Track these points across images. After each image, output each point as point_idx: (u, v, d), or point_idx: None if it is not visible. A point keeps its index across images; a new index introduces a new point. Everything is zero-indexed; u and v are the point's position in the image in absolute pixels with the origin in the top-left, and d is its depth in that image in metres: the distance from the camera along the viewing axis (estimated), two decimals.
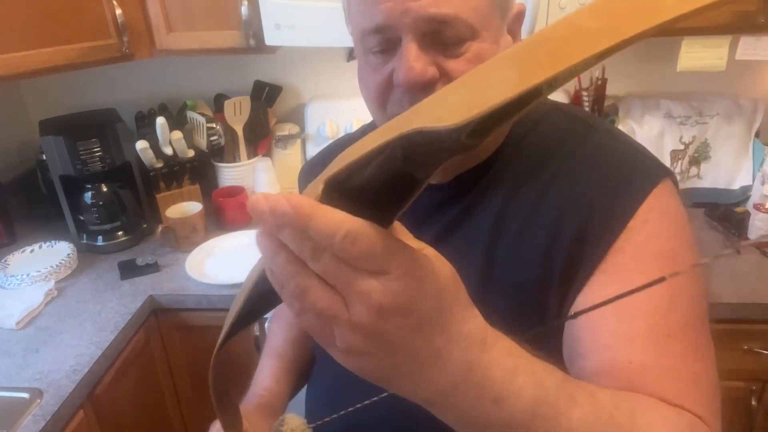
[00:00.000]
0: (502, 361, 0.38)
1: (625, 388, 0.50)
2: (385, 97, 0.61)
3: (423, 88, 0.57)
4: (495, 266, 0.65)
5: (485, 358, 0.37)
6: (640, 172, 0.62)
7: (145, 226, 1.66)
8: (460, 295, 0.38)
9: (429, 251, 0.38)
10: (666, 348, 0.54)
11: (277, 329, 0.97)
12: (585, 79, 1.62)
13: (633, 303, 0.54)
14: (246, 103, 1.68)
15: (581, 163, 0.64)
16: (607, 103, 1.64)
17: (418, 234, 0.67)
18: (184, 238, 1.57)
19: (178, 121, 1.72)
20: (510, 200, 0.65)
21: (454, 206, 0.68)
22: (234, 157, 1.73)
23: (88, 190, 1.57)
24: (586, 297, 0.58)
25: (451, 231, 0.68)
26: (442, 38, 0.57)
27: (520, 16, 0.64)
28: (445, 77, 0.58)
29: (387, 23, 0.57)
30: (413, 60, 0.56)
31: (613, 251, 0.58)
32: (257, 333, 1.38)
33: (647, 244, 0.58)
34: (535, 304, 0.62)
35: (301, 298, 0.34)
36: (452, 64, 0.58)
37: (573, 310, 0.59)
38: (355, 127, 1.68)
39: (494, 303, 0.63)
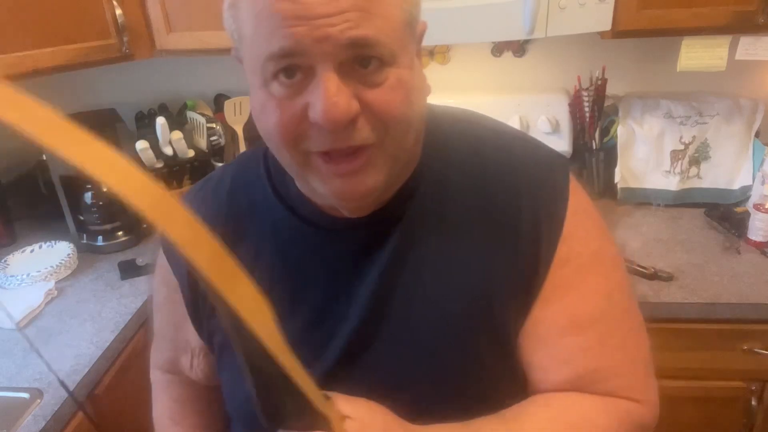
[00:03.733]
0: None
1: (582, 390, 0.62)
2: (297, 135, 0.53)
3: (346, 126, 0.51)
4: (447, 298, 0.63)
5: None
6: (550, 173, 0.64)
7: (145, 226, 1.66)
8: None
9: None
10: (611, 350, 0.63)
11: (163, 395, 0.87)
12: (585, 79, 1.62)
13: (579, 313, 0.62)
14: (246, 103, 1.68)
15: (493, 171, 0.64)
16: (607, 103, 1.64)
17: (351, 287, 0.65)
18: None
19: (178, 121, 1.72)
20: (435, 230, 0.63)
21: (383, 248, 0.62)
22: (234, 157, 1.73)
23: (88, 190, 1.58)
24: (543, 311, 0.62)
25: (390, 278, 0.62)
26: (361, 65, 0.50)
27: (422, 35, 0.59)
28: (367, 109, 0.52)
29: (298, 49, 0.49)
30: (335, 95, 0.49)
31: (556, 264, 0.61)
32: None
33: (583, 251, 0.63)
34: (485, 322, 0.63)
35: None
36: (373, 95, 0.51)
37: (530, 323, 0.63)
38: None
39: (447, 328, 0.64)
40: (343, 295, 0.64)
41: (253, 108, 0.57)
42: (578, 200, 0.64)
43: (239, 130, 1.70)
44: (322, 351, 0.63)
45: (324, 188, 0.57)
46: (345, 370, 0.62)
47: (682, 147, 1.62)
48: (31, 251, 1.58)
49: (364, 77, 0.51)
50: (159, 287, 0.79)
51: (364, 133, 0.52)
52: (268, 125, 0.54)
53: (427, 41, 0.62)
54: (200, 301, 0.71)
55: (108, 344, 1.22)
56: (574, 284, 0.62)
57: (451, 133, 0.67)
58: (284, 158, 0.57)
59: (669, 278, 1.30)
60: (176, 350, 0.80)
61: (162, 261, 0.76)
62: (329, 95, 0.49)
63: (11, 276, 1.44)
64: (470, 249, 0.62)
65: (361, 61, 0.50)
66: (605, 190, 1.70)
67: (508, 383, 0.65)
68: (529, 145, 0.68)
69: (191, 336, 0.76)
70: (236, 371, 0.68)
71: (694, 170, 1.64)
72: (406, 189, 0.63)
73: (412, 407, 0.60)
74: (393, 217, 0.62)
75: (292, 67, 0.50)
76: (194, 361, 0.79)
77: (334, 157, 0.54)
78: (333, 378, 0.60)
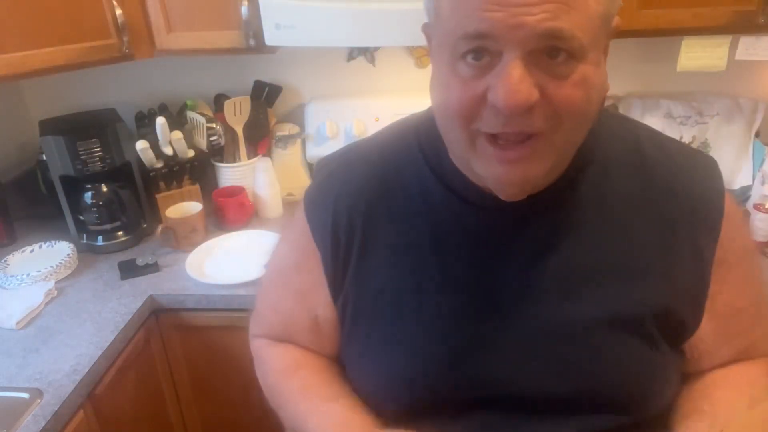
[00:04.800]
0: None
1: (738, 361, 0.72)
2: (472, 114, 0.55)
3: (522, 113, 0.52)
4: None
5: None
6: (707, 175, 0.68)
7: (145, 226, 1.66)
8: None
9: None
10: (759, 324, 0.72)
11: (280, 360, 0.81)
12: None
13: (739, 301, 0.70)
14: (246, 103, 1.68)
15: (652, 169, 0.67)
16: (607, 103, 1.64)
17: (502, 263, 0.67)
18: (184, 238, 1.57)
19: (178, 121, 1.72)
20: (593, 220, 0.65)
21: (537, 230, 0.65)
22: (234, 157, 1.73)
23: (88, 190, 1.58)
24: (712, 307, 0.68)
25: (542, 258, 0.65)
26: (550, 56, 0.51)
27: (615, 31, 0.57)
28: (546, 100, 0.52)
29: (491, 33, 0.50)
30: (518, 82, 0.50)
31: (717, 263, 0.66)
32: None
33: (737, 248, 0.69)
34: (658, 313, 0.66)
35: None
36: (555, 87, 0.52)
37: (705, 318, 0.68)
38: (355, 127, 1.68)
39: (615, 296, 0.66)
40: (492, 270, 0.65)
41: (436, 82, 0.59)
42: (729, 198, 0.68)
43: (239, 130, 1.70)
44: (470, 326, 0.66)
45: (485, 171, 0.58)
46: (493, 347, 0.65)
47: None
48: (31, 251, 1.58)
49: (550, 68, 0.52)
50: (288, 254, 0.78)
51: (537, 121, 0.53)
52: (448, 101, 0.56)
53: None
54: (340, 268, 0.71)
55: (108, 344, 1.22)
56: (732, 278, 0.68)
57: (612, 128, 0.69)
58: (453, 134, 0.59)
59: None
60: (291, 324, 0.78)
61: (299, 226, 0.74)
62: (512, 82, 0.50)
63: (11, 276, 1.44)
64: (625, 243, 0.65)
65: (550, 52, 0.51)
66: None
67: (653, 374, 0.67)
68: (684, 146, 0.72)
69: (320, 304, 0.74)
70: (368, 345, 0.70)
71: None
72: (567, 176, 0.64)
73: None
74: (549, 202, 0.64)
75: (480, 49, 0.52)
76: (316, 329, 0.76)
77: (501, 142, 0.55)
78: (483, 342, 0.65)
